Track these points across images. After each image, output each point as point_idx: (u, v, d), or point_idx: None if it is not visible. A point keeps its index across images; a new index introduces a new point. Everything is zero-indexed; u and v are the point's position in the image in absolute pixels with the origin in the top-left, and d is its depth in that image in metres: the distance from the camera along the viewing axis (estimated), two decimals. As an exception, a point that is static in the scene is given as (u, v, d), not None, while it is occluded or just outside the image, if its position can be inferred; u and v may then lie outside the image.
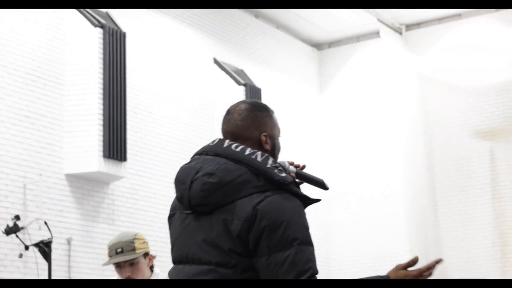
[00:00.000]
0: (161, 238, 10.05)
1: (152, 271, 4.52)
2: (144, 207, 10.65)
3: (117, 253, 4.38)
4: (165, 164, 11.09)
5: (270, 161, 2.81)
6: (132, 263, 4.38)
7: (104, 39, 9.80)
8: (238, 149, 2.82)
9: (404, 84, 13.23)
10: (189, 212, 2.86)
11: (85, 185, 9.87)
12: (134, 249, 4.37)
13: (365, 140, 13.60)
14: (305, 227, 2.74)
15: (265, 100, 12.27)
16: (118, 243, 4.39)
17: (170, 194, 11.06)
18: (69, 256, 9.50)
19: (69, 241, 9.51)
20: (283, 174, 2.79)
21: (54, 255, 6.68)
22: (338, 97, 14.00)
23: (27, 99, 9.33)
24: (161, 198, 10.92)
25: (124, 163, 9.96)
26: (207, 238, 2.78)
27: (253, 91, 12.17)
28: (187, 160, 10.90)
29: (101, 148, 9.62)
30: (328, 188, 2.98)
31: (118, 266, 4.40)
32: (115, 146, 9.75)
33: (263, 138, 2.90)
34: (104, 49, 9.78)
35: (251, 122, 2.90)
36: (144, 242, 4.45)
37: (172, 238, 2.95)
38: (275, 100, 12.41)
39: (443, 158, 13.04)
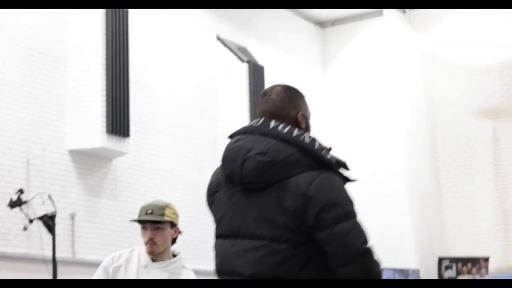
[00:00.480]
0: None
1: (174, 243, 4.54)
2: (147, 184, 10.64)
3: (146, 213, 4.43)
4: (168, 140, 11.08)
5: (317, 143, 2.99)
6: (157, 227, 4.42)
7: (107, 15, 9.76)
8: (285, 130, 2.99)
9: (408, 63, 13.19)
10: (238, 189, 3.00)
11: (88, 161, 9.86)
12: (163, 214, 4.42)
13: (368, 119, 13.57)
14: (353, 202, 2.98)
15: (267, 77, 12.25)
16: (150, 206, 4.46)
17: (173, 171, 11.06)
18: (72, 231, 9.51)
19: (72, 216, 9.52)
20: (329, 156, 2.99)
21: (57, 230, 6.68)
22: (341, 76, 13.96)
23: (30, 75, 9.30)
24: (164, 174, 10.92)
25: (127, 139, 9.95)
26: (260, 214, 2.93)
27: (256, 69, 12.13)
28: (190, 136, 10.92)
29: (104, 124, 9.60)
30: (349, 169, 3.12)
31: (144, 227, 4.43)
32: (118, 122, 9.73)
33: (300, 118, 3.08)
34: (107, 25, 9.74)
35: (289, 102, 3.09)
36: (174, 214, 4.50)
37: (217, 214, 3.08)
38: (278, 78, 12.37)
39: (446, 137, 13.03)
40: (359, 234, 2.91)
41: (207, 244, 11.41)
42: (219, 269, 3.08)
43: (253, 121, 3.09)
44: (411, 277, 7.93)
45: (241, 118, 11.85)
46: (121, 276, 4.47)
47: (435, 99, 13.23)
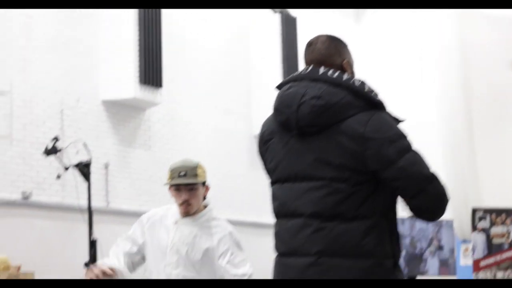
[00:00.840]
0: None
1: (204, 199, 4.58)
2: (180, 134, 10.68)
3: (179, 176, 4.46)
4: (201, 90, 11.08)
5: (366, 85, 3.14)
6: (191, 188, 4.48)
7: (139, -36, 9.71)
8: (335, 75, 3.12)
9: (441, 13, 13.02)
10: (293, 134, 3.13)
11: (121, 111, 9.90)
12: (196, 175, 4.47)
13: (401, 70, 13.47)
14: (407, 136, 3.13)
15: (300, 29, 12.18)
16: (182, 167, 4.49)
17: (205, 121, 11.08)
18: (106, 181, 9.59)
19: (106, 166, 9.59)
20: (379, 98, 3.14)
21: (91, 179, 6.72)
22: (374, 27, 13.83)
23: (63, 25, 9.30)
24: (196, 125, 10.94)
25: (159, 90, 9.96)
26: (318, 156, 3.07)
27: (288, 20, 12.05)
28: (222, 87, 10.87)
29: (137, 74, 9.62)
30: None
31: (177, 189, 4.47)
32: (150, 72, 9.74)
33: (345, 65, 3.23)
34: (139, -26, 9.70)
35: (334, 50, 3.23)
36: (204, 172, 4.56)
37: (273, 161, 3.21)
38: (311, 30, 12.27)
39: (480, 88, 12.89)
40: (423, 162, 3.06)
41: (239, 195, 11.46)
42: (277, 212, 3.19)
43: (302, 70, 3.21)
44: (444, 228, 7.91)
45: (274, 68, 11.80)
46: (156, 232, 4.52)
47: (468, 49, 13.07)
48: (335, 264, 3.00)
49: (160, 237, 4.49)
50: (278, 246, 3.19)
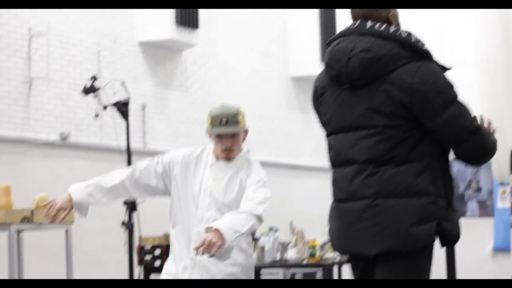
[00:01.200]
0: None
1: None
2: (216, 76, 10.66)
3: (221, 124, 4.42)
4: (237, 32, 11.02)
5: (413, 36, 3.27)
6: (233, 135, 4.45)
7: None
8: (382, 28, 3.26)
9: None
10: (344, 87, 3.29)
11: (158, 53, 9.90)
12: (237, 122, 4.44)
13: (438, 12, 13.30)
14: (453, 85, 3.26)
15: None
16: (223, 114, 4.44)
17: (241, 63, 11.04)
18: (143, 122, 9.63)
19: (143, 108, 9.62)
20: (426, 47, 3.26)
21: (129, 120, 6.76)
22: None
23: (99, -35, 9.26)
24: (233, 66, 10.91)
25: (196, 31, 9.93)
26: (369, 106, 3.23)
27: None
28: (259, 28, 10.74)
29: (174, 16, 9.59)
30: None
31: (219, 136, 4.45)
32: (187, 14, 9.70)
33: (391, 17, 3.34)
34: None
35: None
36: (244, 117, 4.53)
37: (326, 114, 3.39)
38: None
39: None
40: (466, 115, 3.22)
41: (275, 136, 11.47)
42: (333, 161, 3.38)
43: (349, 25, 3.35)
44: (482, 170, 7.84)
45: (311, 11, 11.69)
46: (189, 175, 4.50)
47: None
48: (390, 204, 3.17)
49: (193, 180, 4.48)
50: (336, 193, 3.36)
